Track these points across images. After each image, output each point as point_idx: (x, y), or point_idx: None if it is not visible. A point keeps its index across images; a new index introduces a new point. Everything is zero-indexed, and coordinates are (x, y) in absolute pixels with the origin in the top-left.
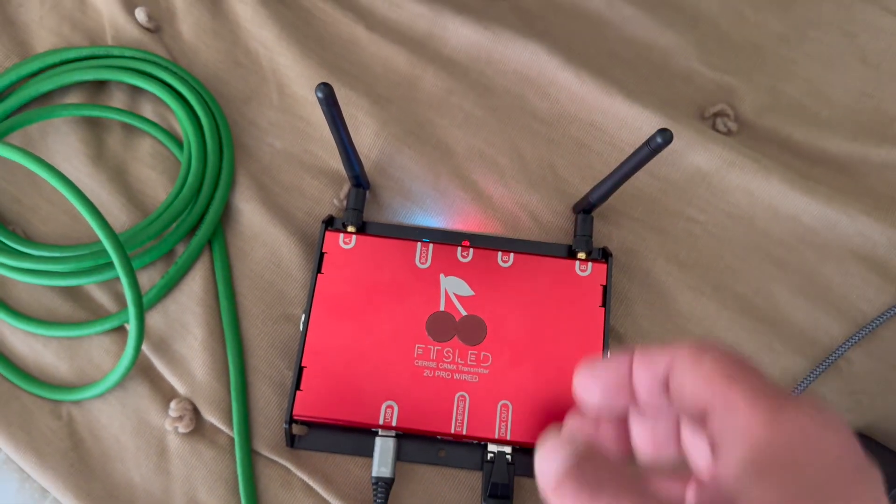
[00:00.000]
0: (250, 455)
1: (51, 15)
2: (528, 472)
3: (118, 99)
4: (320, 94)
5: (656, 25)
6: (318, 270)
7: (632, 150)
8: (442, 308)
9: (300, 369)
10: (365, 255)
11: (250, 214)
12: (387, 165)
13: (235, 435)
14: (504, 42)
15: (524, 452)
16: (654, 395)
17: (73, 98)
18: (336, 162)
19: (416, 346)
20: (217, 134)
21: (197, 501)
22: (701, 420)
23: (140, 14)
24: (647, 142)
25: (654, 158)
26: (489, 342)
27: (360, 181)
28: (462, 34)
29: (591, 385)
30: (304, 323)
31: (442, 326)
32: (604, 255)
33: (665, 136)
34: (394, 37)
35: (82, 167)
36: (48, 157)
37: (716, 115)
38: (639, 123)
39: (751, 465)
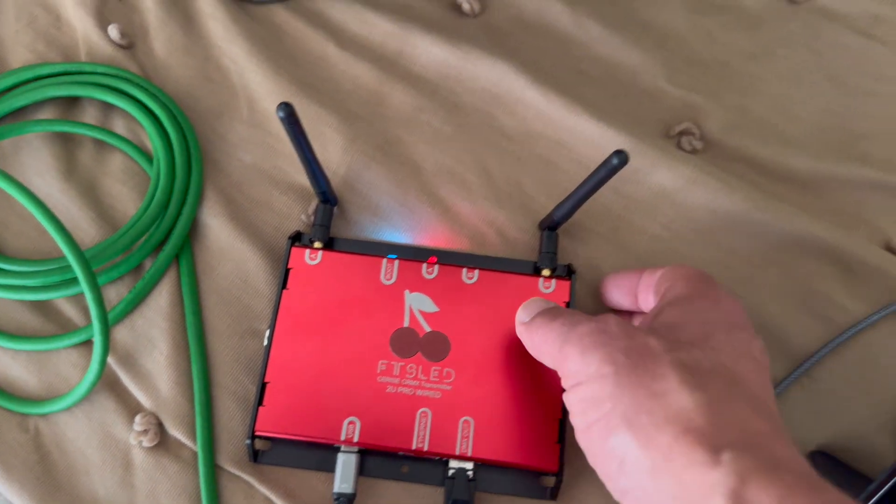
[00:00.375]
0: (213, 469)
1: (26, 31)
2: (490, 488)
3: (90, 115)
4: (281, 114)
5: (624, 44)
6: (283, 286)
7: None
8: (406, 324)
9: (263, 385)
10: (330, 272)
11: (218, 230)
12: (355, 181)
13: (199, 449)
14: (473, 60)
15: (486, 468)
16: (649, 299)
17: (46, 113)
18: (305, 177)
19: (380, 362)
20: (186, 150)
21: None
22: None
23: (113, 31)
24: (604, 163)
25: (619, 175)
26: (452, 359)
27: (327, 197)
28: (432, 52)
29: (612, 289)
30: (268, 338)
31: (406, 343)
32: (568, 272)
33: (621, 157)
34: (364, 54)
35: (54, 182)
36: (21, 172)
37: (681, 133)
38: (604, 142)
39: (669, 300)
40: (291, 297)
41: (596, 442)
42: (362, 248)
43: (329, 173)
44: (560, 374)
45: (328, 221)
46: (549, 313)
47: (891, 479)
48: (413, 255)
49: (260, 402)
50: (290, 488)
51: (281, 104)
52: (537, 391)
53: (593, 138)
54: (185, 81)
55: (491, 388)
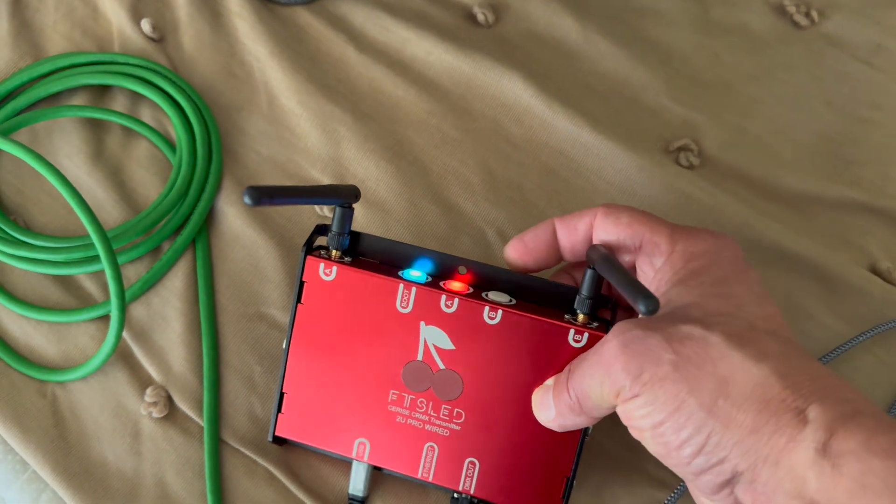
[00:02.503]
0: (218, 443)
1: (64, 21)
2: None
3: (120, 103)
4: (248, 201)
5: (630, 61)
6: (298, 300)
7: (597, 178)
8: (420, 358)
9: (281, 394)
10: (344, 291)
11: (233, 217)
12: (365, 178)
13: (205, 423)
14: (484, 69)
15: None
16: (579, 251)
17: (78, 100)
18: (317, 171)
19: (391, 391)
20: (207, 141)
21: (165, 483)
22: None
23: (145, 25)
24: (634, 299)
25: (616, 186)
26: (464, 399)
27: (344, 201)
28: (445, 60)
29: (523, 255)
30: (285, 350)
31: (418, 377)
32: (611, 313)
33: (649, 306)
34: (381, 58)
35: (82, 165)
36: (51, 154)
37: (679, 149)
38: (604, 153)
39: (673, 280)
40: (306, 313)
41: (669, 435)
42: (387, 249)
43: (341, 170)
44: (609, 394)
45: (347, 228)
46: (567, 370)
47: None
48: (442, 262)
49: (279, 409)
50: (290, 465)
51: (246, 190)
52: (548, 445)
53: (593, 150)
54: (210, 75)
55: (500, 435)
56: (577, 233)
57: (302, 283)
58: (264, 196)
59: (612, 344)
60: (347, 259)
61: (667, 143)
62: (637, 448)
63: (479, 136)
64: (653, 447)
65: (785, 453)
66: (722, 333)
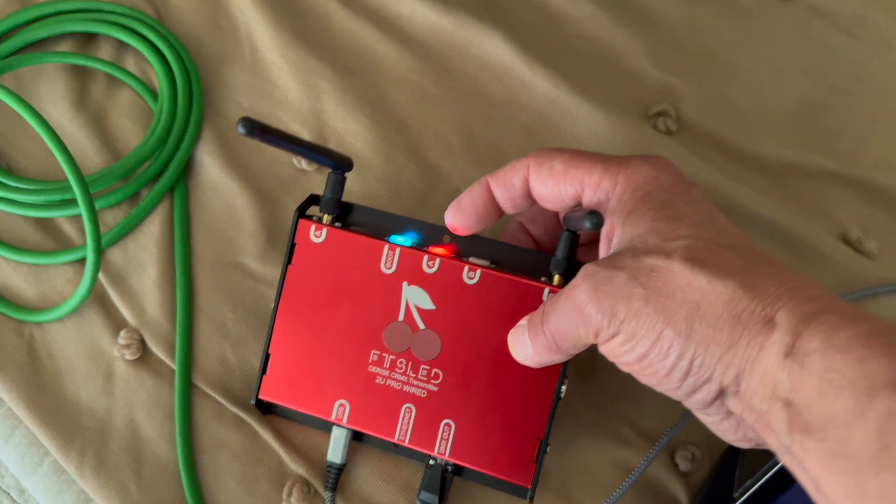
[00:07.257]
0: (188, 386)
1: None
2: (471, 476)
3: (105, 51)
4: (242, 130)
5: (613, 25)
6: (289, 261)
7: (575, 142)
8: (401, 318)
9: (267, 356)
10: (332, 252)
11: (211, 167)
12: (343, 132)
13: (176, 366)
14: (467, 28)
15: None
16: (520, 204)
17: (63, 46)
18: (297, 125)
19: (372, 352)
20: (189, 91)
21: (135, 423)
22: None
23: None
24: (580, 218)
25: (592, 148)
26: (442, 360)
27: (338, 166)
28: (429, 17)
29: (463, 219)
30: (273, 311)
31: (398, 337)
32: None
33: (593, 221)
34: (365, 14)
35: (65, 111)
36: (35, 99)
37: (658, 114)
38: (582, 116)
39: (625, 213)
40: (295, 274)
41: (655, 365)
42: (376, 219)
43: (320, 124)
44: (586, 335)
45: (339, 192)
46: (540, 311)
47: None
48: (429, 231)
49: (264, 370)
50: (258, 411)
51: (239, 121)
52: (521, 406)
53: (572, 111)
54: (194, 26)
55: (475, 396)
56: (513, 188)
57: (293, 245)
58: (257, 129)
59: (582, 287)
60: (338, 224)
61: (646, 108)
62: (603, 407)
63: (460, 94)
64: (643, 378)
65: (758, 361)
66: (683, 259)
